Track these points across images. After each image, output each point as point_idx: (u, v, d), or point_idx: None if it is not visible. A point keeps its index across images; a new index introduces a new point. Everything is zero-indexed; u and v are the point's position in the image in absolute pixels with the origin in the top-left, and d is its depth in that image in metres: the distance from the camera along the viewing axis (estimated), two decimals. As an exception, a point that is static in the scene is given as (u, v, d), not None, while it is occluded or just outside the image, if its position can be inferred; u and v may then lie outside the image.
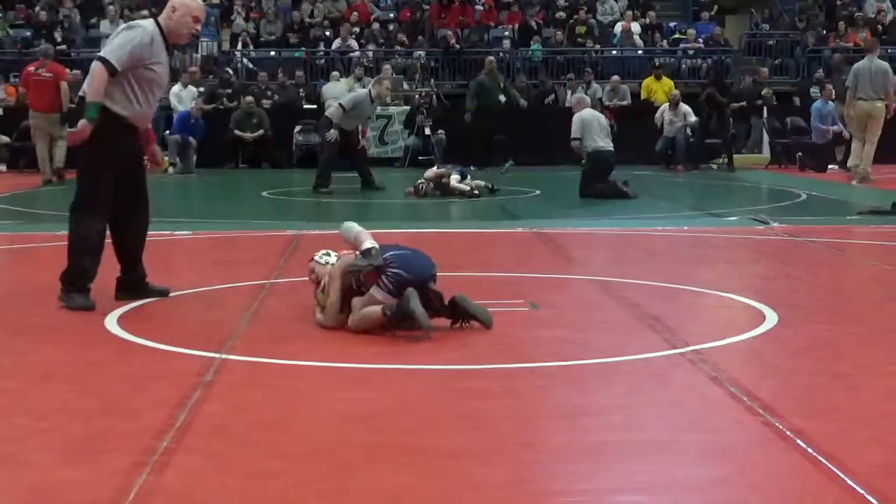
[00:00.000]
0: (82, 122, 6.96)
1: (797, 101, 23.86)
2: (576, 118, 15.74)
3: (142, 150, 7.44)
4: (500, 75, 22.83)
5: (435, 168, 16.39)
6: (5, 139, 21.56)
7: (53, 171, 18.44)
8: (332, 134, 16.36)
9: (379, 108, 19.65)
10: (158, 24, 7.16)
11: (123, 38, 7.03)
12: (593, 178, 15.31)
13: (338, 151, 16.62)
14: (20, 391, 5.09)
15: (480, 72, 22.82)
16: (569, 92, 22.99)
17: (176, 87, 21.85)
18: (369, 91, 16.85)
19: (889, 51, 26.34)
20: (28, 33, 25.95)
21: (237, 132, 21.62)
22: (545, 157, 21.39)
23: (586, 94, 23.79)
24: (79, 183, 7.28)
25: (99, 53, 7.09)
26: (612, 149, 15.69)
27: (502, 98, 21.97)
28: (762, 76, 23.82)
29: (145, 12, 25.76)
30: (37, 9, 26.42)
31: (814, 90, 24.01)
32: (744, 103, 22.79)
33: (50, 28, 25.75)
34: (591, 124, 15.57)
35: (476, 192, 15.60)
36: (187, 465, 3.97)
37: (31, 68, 19.22)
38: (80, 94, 7.15)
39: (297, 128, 22.43)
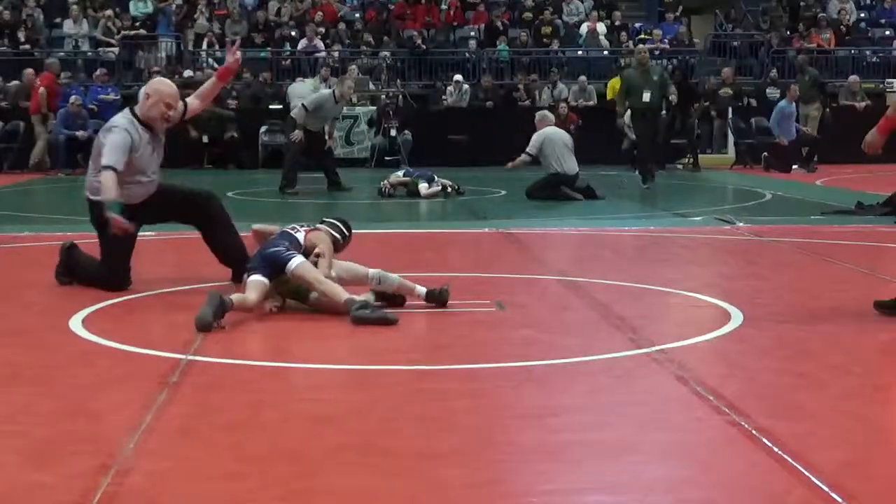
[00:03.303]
0: (114, 218, 7.39)
1: (753, 101, 23.94)
2: (537, 136, 15.51)
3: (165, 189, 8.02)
4: (658, 67, 18.88)
5: (399, 173, 16.38)
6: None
7: None
8: (297, 135, 16.33)
9: (345, 108, 19.61)
10: (134, 113, 7.76)
11: (112, 142, 7.56)
12: (544, 189, 15.27)
13: (303, 152, 16.59)
14: (-17, 394, 5.05)
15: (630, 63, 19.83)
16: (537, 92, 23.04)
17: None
18: (333, 91, 16.82)
19: (852, 52, 26.59)
20: (-9, 33, 25.78)
21: (193, 133, 21.44)
22: (511, 158, 21.39)
23: (552, 94, 23.96)
24: (104, 261, 7.77)
25: (102, 163, 7.53)
26: (577, 170, 15.42)
27: (647, 96, 17.26)
28: (725, 77, 23.90)
29: (109, 11, 25.72)
30: (0, 8, 26.22)
31: (770, 90, 24.16)
32: (707, 103, 22.89)
33: (13, 28, 25.57)
34: (554, 144, 15.36)
35: (448, 190, 15.63)
36: (153, 467, 3.95)
37: None
38: (92, 198, 7.72)
39: (263, 128, 22.38)
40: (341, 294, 6.67)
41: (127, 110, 7.88)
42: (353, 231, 7.55)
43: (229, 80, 9.45)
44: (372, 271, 6.98)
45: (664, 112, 18.66)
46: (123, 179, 7.59)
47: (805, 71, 23.69)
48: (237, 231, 7.98)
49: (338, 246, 7.23)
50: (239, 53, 8.38)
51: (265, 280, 6.79)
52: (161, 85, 7.88)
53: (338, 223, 7.43)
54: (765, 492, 3.73)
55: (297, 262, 6.80)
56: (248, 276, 6.87)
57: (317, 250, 7.00)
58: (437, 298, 6.98)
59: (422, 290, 6.97)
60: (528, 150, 15.52)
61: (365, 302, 6.58)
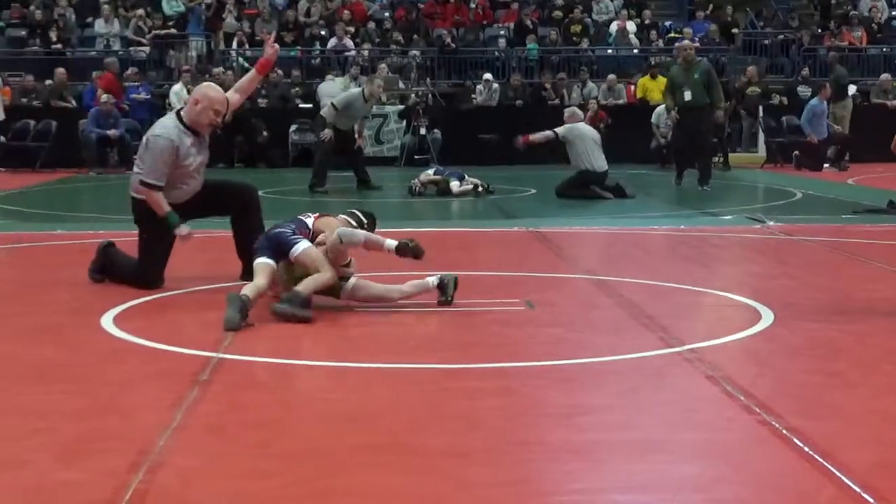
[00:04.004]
0: (178, 230, 7.69)
1: (784, 99, 23.83)
2: (567, 126, 15.53)
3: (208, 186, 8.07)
4: (700, 65, 17.12)
5: (429, 172, 16.38)
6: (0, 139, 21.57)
7: None
8: (326, 133, 16.35)
9: (375, 107, 19.62)
10: (180, 118, 7.77)
11: (151, 157, 7.64)
12: (574, 188, 15.25)
13: (333, 151, 16.61)
14: (14, 391, 5.08)
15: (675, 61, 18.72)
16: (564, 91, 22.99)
17: (177, 87, 21.84)
18: (362, 90, 16.83)
19: (884, 50, 26.43)
20: (23, 33, 25.94)
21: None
22: (541, 156, 21.35)
23: (582, 93, 23.93)
24: (142, 258, 7.85)
25: (141, 178, 7.68)
26: (606, 168, 15.38)
27: (688, 94, 16.48)
28: (751, 76, 23.78)
29: (140, 11, 25.84)
30: (32, 8, 26.39)
31: (801, 89, 24.03)
32: (736, 102, 22.79)
33: (45, 27, 25.72)
34: (584, 140, 15.33)
35: (479, 189, 15.62)
36: (182, 465, 3.96)
37: None
38: (136, 196, 7.81)
39: (293, 127, 22.43)
40: (322, 285, 6.72)
41: (174, 114, 7.90)
42: (385, 230, 7.54)
43: (268, 72, 9.51)
44: (339, 230, 6.93)
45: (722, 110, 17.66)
46: (169, 183, 7.69)
47: (832, 69, 23.57)
48: (264, 226, 7.98)
49: (405, 250, 7.06)
50: (277, 45, 8.41)
51: (272, 262, 6.84)
52: (210, 90, 7.86)
53: (357, 211, 7.43)
54: (795, 491, 3.72)
55: (300, 247, 6.84)
56: (256, 257, 6.92)
57: (320, 238, 7.01)
58: (410, 251, 6.99)
59: (392, 243, 6.97)
60: (556, 129, 15.46)
61: (291, 295, 6.56)
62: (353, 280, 6.98)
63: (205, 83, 8.47)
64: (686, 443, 4.27)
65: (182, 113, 7.83)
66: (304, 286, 6.63)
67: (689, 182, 16.69)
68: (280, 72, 23.74)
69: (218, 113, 7.76)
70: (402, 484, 3.79)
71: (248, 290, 6.59)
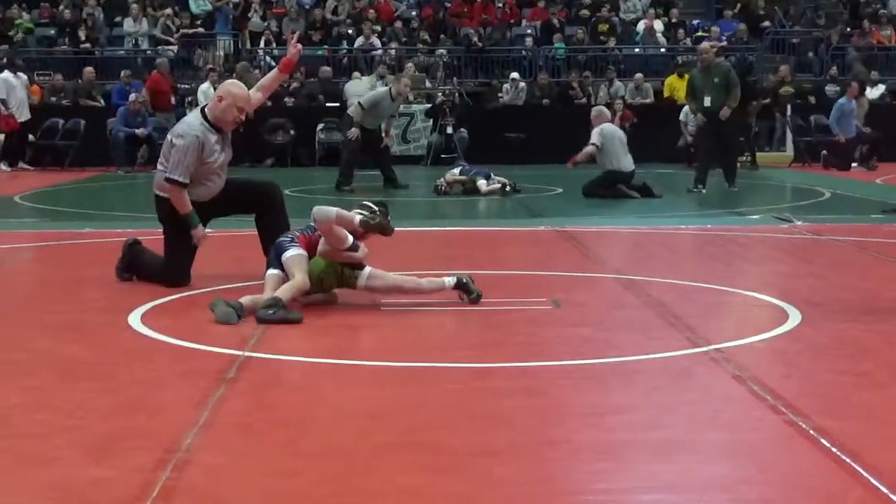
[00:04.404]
0: (194, 231, 7.75)
1: (813, 99, 23.74)
2: (596, 130, 15.40)
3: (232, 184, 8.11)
4: (719, 67, 16.57)
5: (456, 171, 16.38)
6: (30, 137, 21.70)
7: None
8: (354, 132, 16.39)
9: (402, 106, 19.64)
10: (204, 115, 7.78)
11: (177, 153, 7.64)
12: (601, 187, 15.22)
13: (360, 150, 16.64)
14: (43, 389, 5.11)
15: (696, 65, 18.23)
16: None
17: (204, 85, 21.91)
18: (389, 89, 16.85)
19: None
20: (52, 32, 26.09)
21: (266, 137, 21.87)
22: (567, 156, 21.30)
23: (609, 92, 23.89)
24: (168, 257, 7.89)
25: (167, 175, 7.69)
26: (633, 168, 15.34)
27: (707, 100, 16.11)
28: (783, 75, 23.69)
29: (168, 10, 25.94)
30: (61, 7, 26.53)
31: (829, 88, 23.93)
32: (768, 100, 22.70)
33: (74, 27, 25.86)
34: (612, 141, 15.29)
35: (506, 188, 15.61)
36: (210, 462, 3.98)
37: None
38: (161, 195, 7.83)
39: (320, 126, 22.47)
40: (297, 290, 6.74)
41: (198, 111, 7.92)
42: (410, 229, 7.54)
43: (291, 71, 9.55)
44: (314, 208, 6.97)
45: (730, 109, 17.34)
46: (194, 180, 7.72)
47: (853, 68, 23.48)
48: (289, 224, 8.00)
49: (368, 225, 7.06)
50: (300, 45, 8.43)
51: (279, 272, 6.87)
52: (234, 87, 7.87)
53: (367, 202, 7.40)
54: (822, 492, 3.70)
55: (289, 253, 6.89)
56: (266, 270, 6.98)
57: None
58: (375, 226, 7.02)
59: (359, 218, 7.02)
60: (591, 142, 15.35)
61: (271, 301, 6.54)
62: (367, 269, 6.98)
63: (228, 80, 8.50)
64: (712, 443, 4.26)
65: (206, 110, 7.85)
66: (280, 292, 6.66)
67: (716, 182, 16.61)
68: (303, 74, 23.80)
69: (241, 110, 7.78)
70: (427, 483, 3.79)
71: (245, 299, 6.68)
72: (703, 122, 16.47)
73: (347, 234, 6.87)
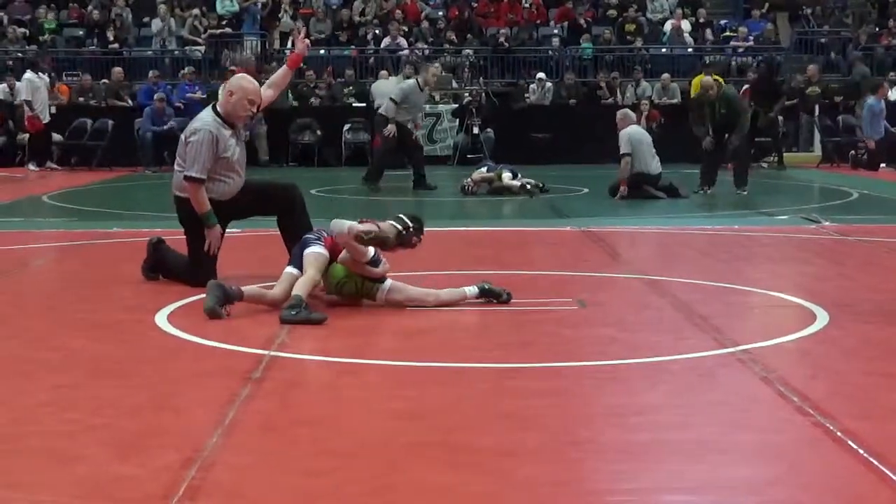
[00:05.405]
0: (211, 231, 7.75)
1: (839, 99, 23.62)
2: (623, 135, 15.14)
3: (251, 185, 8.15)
4: (726, 96, 16.13)
5: (482, 170, 16.38)
6: (58, 137, 21.82)
7: None
8: (390, 129, 16.46)
9: (428, 106, 19.68)
10: (216, 111, 7.80)
11: (193, 149, 7.66)
12: (628, 189, 15.12)
13: (394, 149, 16.77)
14: (71, 387, 5.14)
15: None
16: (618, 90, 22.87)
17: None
18: (417, 79, 16.95)
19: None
20: (80, 32, 26.24)
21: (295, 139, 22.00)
22: (593, 156, 21.28)
23: (636, 92, 23.84)
24: (192, 258, 7.90)
25: (185, 173, 7.70)
26: (660, 170, 15.23)
27: (710, 132, 16.06)
28: (811, 75, 23.57)
29: (196, 10, 26.03)
30: (89, 8, 26.67)
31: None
32: (795, 100, 22.59)
33: (102, 27, 25.99)
34: (639, 144, 15.15)
35: (529, 187, 15.57)
36: (236, 461, 3.99)
37: None
38: (180, 195, 7.89)
39: (346, 126, 22.52)
40: (310, 285, 6.72)
41: (210, 108, 7.94)
42: (437, 229, 7.54)
43: (299, 66, 9.62)
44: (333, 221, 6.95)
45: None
46: (212, 177, 7.72)
47: (854, 68, 23.40)
48: (311, 224, 8.00)
49: (402, 239, 6.96)
50: (307, 40, 8.45)
51: (296, 271, 6.88)
52: (244, 81, 7.89)
53: (403, 216, 7.13)
54: (850, 494, 3.69)
55: (311, 249, 6.90)
56: (287, 267, 7.01)
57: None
58: (396, 242, 6.94)
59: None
60: (623, 152, 14.99)
61: (293, 301, 6.51)
62: (388, 282, 6.96)
63: (238, 75, 8.51)
64: (739, 444, 4.24)
65: (218, 106, 7.89)
66: (297, 289, 6.65)
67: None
68: (350, 72, 23.86)
69: (252, 103, 7.77)
70: (454, 482, 3.79)
71: (250, 289, 6.75)
72: (711, 144, 16.20)
73: (368, 247, 6.87)
